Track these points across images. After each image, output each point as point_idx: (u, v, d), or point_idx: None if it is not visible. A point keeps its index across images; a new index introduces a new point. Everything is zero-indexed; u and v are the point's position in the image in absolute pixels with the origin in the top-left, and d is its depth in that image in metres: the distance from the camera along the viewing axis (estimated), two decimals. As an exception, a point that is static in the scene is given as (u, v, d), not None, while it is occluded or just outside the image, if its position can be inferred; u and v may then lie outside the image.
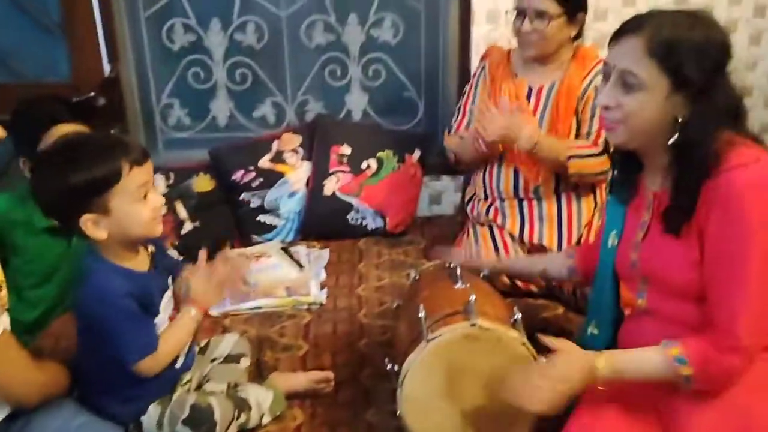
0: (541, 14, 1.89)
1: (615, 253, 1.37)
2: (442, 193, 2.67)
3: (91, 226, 1.21)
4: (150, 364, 1.27)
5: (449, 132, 2.16)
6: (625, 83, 1.18)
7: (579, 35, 2.00)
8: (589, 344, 1.37)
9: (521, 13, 1.93)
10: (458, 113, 2.16)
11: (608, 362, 1.18)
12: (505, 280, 1.92)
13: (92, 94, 2.33)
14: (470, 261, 1.74)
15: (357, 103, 2.62)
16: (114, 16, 2.38)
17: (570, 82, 1.97)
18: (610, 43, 1.23)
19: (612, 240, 1.39)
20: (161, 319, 1.33)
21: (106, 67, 2.40)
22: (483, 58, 2.17)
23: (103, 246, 1.25)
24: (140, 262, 1.32)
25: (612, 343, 1.37)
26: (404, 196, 2.45)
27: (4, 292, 1.23)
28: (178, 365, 1.38)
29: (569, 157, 1.91)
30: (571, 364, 1.18)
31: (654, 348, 1.18)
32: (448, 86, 2.56)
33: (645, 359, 1.19)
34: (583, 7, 1.95)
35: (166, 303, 1.36)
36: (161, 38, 2.49)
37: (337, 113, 2.63)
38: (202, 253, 1.40)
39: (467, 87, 2.18)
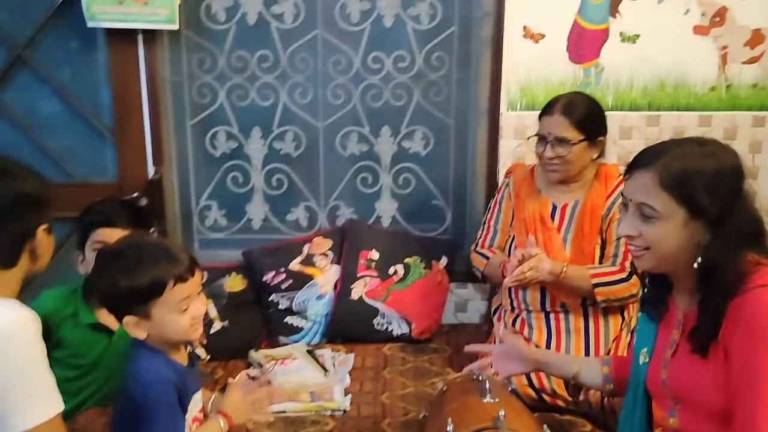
0: (562, 141, 1.96)
1: (646, 370, 1.37)
2: (468, 301, 2.68)
3: (132, 326, 1.27)
4: None
5: (475, 247, 2.21)
6: (643, 214, 1.23)
7: (600, 155, 2.06)
8: None
9: (543, 139, 2.01)
10: (483, 228, 2.22)
11: None
12: (531, 393, 1.89)
13: (135, 194, 2.45)
14: (509, 346, 1.67)
15: (387, 209, 2.70)
16: (162, 122, 2.54)
17: (593, 202, 2.01)
18: (625, 176, 1.29)
19: (643, 357, 1.39)
20: (187, 419, 1.34)
21: (151, 170, 2.53)
22: (507, 175, 2.24)
23: (146, 340, 1.30)
24: (180, 357, 1.36)
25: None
26: (430, 302, 2.47)
27: None
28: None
29: (595, 285, 1.93)
30: None
31: None
32: (476, 195, 2.63)
33: None
34: (603, 131, 2.02)
35: (194, 404, 1.38)
36: (204, 144, 2.63)
37: (367, 219, 2.70)
38: (241, 377, 1.45)
39: (492, 203, 2.24)
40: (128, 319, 1.26)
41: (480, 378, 1.54)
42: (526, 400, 1.79)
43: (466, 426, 1.32)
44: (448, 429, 1.30)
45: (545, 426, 1.34)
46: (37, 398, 1.13)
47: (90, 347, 1.77)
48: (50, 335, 1.74)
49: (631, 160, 1.30)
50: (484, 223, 2.22)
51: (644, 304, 1.42)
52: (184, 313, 1.29)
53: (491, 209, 2.22)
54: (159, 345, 1.31)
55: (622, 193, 1.30)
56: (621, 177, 2.02)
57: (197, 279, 1.32)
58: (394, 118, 2.62)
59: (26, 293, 1.30)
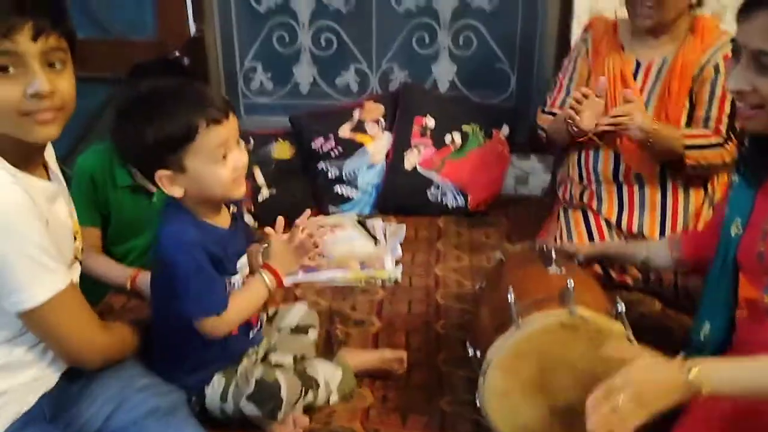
0: None
1: (738, 243, 1.20)
2: (530, 174, 2.53)
3: (167, 182, 1.16)
4: (215, 324, 1.20)
5: (543, 109, 2.01)
6: (761, 64, 1.04)
7: (699, 3, 1.80)
8: (701, 347, 1.23)
9: None
10: (555, 88, 2.00)
11: (705, 375, 0.96)
12: (598, 269, 1.76)
13: (176, 53, 2.31)
14: (563, 245, 1.59)
15: (444, 73, 2.52)
16: (202, -26, 2.35)
17: (685, 59, 1.77)
18: (739, 19, 1.08)
19: (735, 228, 1.23)
20: (237, 281, 1.27)
21: (192, 27, 2.38)
22: (586, 30, 2.00)
23: (183, 199, 1.20)
24: (221, 219, 1.25)
25: (727, 347, 1.21)
26: (489, 174, 2.32)
27: (79, 242, 1.19)
28: (251, 335, 1.32)
29: (686, 147, 1.72)
30: (651, 383, 0.97)
31: None
32: (545, 59, 2.41)
33: (759, 368, 0.98)
34: None
35: (241, 266, 1.30)
36: (248, -2, 2.45)
37: (423, 83, 2.53)
38: (280, 220, 1.33)
39: (566, 60, 2.02)
40: (161, 174, 1.14)
41: (545, 248, 1.41)
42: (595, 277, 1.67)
43: (529, 296, 1.20)
44: (508, 298, 1.19)
45: (618, 298, 1.20)
46: (34, 277, 1.03)
47: (129, 208, 1.72)
48: (97, 193, 1.70)
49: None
50: (556, 82, 2.01)
51: (743, 168, 1.23)
52: (223, 163, 1.16)
53: (565, 67, 2.00)
54: (198, 206, 1.20)
55: (733, 40, 1.09)
56: (721, 32, 1.76)
57: (234, 124, 1.18)
58: (456, -34, 2.37)
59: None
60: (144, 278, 1.62)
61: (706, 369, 0.97)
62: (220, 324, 1.20)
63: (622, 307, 1.18)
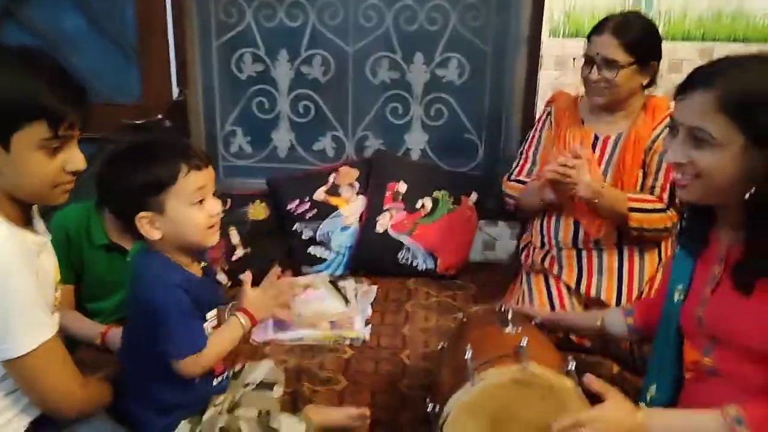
0: (610, 63, 1.83)
1: (681, 309, 1.28)
2: (497, 240, 2.60)
3: (147, 224, 1.23)
4: (193, 365, 1.25)
5: (509, 177, 2.11)
6: (696, 138, 1.12)
7: (651, 83, 1.93)
8: (648, 407, 1.28)
9: (590, 60, 1.88)
10: (520, 158, 2.11)
11: (649, 417, 1.13)
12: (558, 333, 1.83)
13: (159, 116, 2.41)
14: (523, 308, 1.66)
15: (416, 141, 2.62)
16: (187, 42, 2.47)
17: (638, 133, 1.90)
18: (676, 97, 1.17)
19: (678, 294, 1.30)
20: (206, 327, 1.32)
21: (175, 91, 2.48)
22: (549, 103, 2.12)
23: (157, 246, 1.26)
24: (193, 269, 1.32)
25: (673, 407, 1.27)
26: (458, 238, 2.40)
27: (58, 293, 1.24)
28: (215, 381, 1.36)
29: (630, 210, 1.83)
30: (613, 422, 1.12)
31: (709, 410, 1.11)
32: (511, 130, 2.53)
33: (697, 420, 1.12)
34: (655, 56, 1.89)
35: (209, 319, 1.35)
36: (230, 66, 2.56)
37: (396, 151, 2.62)
38: (248, 275, 1.40)
39: (531, 132, 2.13)
40: (142, 215, 1.22)
41: (502, 309, 1.48)
42: (551, 340, 1.73)
43: (485, 354, 1.26)
44: (466, 356, 1.25)
45: (570, 357, 1.27)
46: (27, 323, 1.10)
47: (104, 268, 1.76)
48: (71, 251, 1.74)
49: (682, 80, 1.18)
50: (521, 153, 2.11)
51: (683, 238, 1.32)
52: (200, 207, 1.25)
53: (530, 138, 2.11)
54: (173, 252, 1.27)
55: (671, 117, 1.20)
56: (670, 110, 1.90)
57: (211, 174, 1.28)
58: (428, 43, 2.50)
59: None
60: (114, 334, 1.65)
61: (650, 414, 1.13)
62: (198, 363, 1.26)
63: (572, 364, 1.24)
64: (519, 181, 2.08)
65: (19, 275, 1.07)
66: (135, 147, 1.25)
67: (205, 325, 1.32)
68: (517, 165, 2.11)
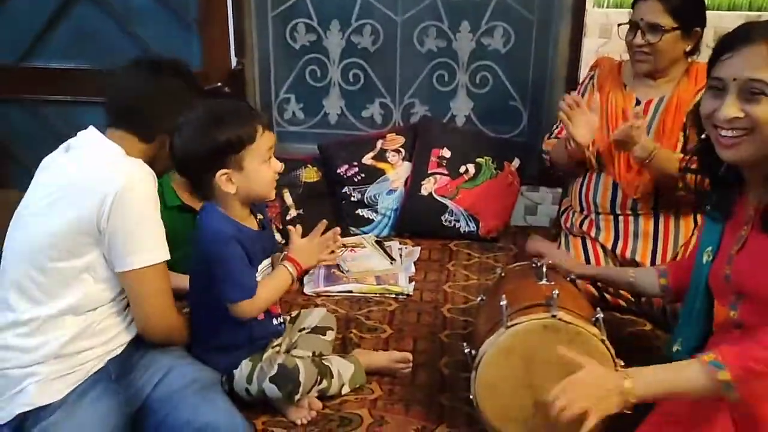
0: (654, 27, 1.86)
1: (709, 269, 1.35)
2: (539, 205, 2.68)
3: (225, 180, 1.36)
4: (247, 308, 1.40)
5: (549, 137, 2.18)
6: (751, 91, 1.15)
7: (694, 50, 1.95)
8: (674, 361, 1.33)
9: (634, 26, 1.91)
10: (560, 121, 2.17)
11: (637, 379, 1.16)
12: (593, 290, 1.91)
13: (219, 84, 2.55)
14: (560, 261, 1.73)
15: (461, 108, 2.70)
16: (245, 14, 2.59)
17: (680, 97, 1.92)
18: (721, 57, 1.20)
19: (707, 256, 1.35)
20: (259, 274, 1.46)
21: (233, 61, 2.61)
22: (593, 68, 2.16)
23: (221, 202, 1.40)
24: (250, 222, 1.46)
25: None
26: (499, 203, 2.49)
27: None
28: (274, 321, 1.50)
29: (680, 170, 1.87)
30: (597, 380, 1.17)
31: (688, 360, 1.17)
32: (554, 98, 2.56)
33: (678, 370, 1.17)
34: (699, 22, 1.91)
35: (262, 269, 1.48)
36: (285, 36, 2.68)
37: (442, 117, 2.70)
38: (297, 228, 1.52)
39: (573, 94, 2.18)
40: (222, 173, 1.35)
41: (538, 264, 1.57)
42: (587, 298, 1.81)
43: (518, 303, 1.37)
44: (501, 304, 1.35)
45: (598, 309, 1.36)
46: (150, 245, 1.33)
47: (178, 227, 1.91)
48: None
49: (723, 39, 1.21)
50: (562, 113, 2.17)
51: (709, 208, 1.36)
52: (269, 164, 1.39)
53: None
54: (235, 206, 1.40)
55: (715, 77, 1.20)
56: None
57: (274, 136, 1.41)
58: (474, 12, 2.56)
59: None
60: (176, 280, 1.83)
61: (635, 374, 1.17)
62: (251, 306, 1.40)
63: (600, 315, 1.34)
64: (557, 138, 2.14)
65: (156, 202, 1.33)
66: (212, 111, 1.36)
67: (259, 271, 1.45)
68: (557, 126, 2.17)
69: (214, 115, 1.35)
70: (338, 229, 1.55)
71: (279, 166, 1.42)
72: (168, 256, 1.37)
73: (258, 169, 1.37)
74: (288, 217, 2.45)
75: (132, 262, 1.31)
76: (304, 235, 1.54)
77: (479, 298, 1.66)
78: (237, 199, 1.40)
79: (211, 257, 1.37)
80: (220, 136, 1.32)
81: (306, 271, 1.55)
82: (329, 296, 2.05)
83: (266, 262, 1.49)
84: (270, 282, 1.45)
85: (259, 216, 1.50)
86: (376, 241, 2.36)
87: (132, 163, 1.35)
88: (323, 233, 1.52)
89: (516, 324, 1.30)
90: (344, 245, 2.30)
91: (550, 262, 1.60)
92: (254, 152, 1.35)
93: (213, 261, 1.37)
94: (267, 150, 1.38)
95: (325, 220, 1.56)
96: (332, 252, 1.53)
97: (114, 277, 1.33)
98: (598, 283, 1.86)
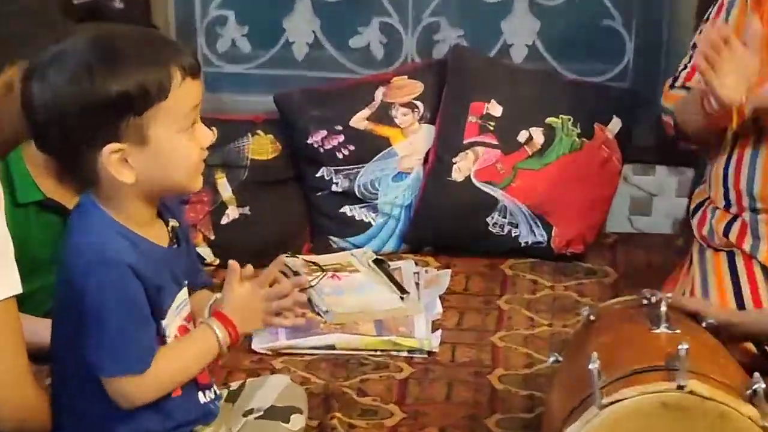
0: None
1: None
2: (654, 197, 2.68)
3: (117, 161, 1.34)
4: (132, 388, 1.37)
5: (672, 85, 2.19)
6: None
7: None
8: None
9: None
10: (691, 56, 2.18)
11: None
12: (749, 346, 1.91)
13: (107, -8, 2.56)
14: (687, 300, 1.74)
15: (521, 32, 2.71)
16: None
17: None
18: None
19: None
20: (167, 326, 1.45)
21: (130, -47, 2.62)
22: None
23: (107, 198, 1.40)
24: (155, 234, 1.44)
25: None
26: (587, 194, 2.50)
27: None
28: (204, 396, 1.50)
29: None
30: None
31: None
32: (679, 12, 2.58)
33: None
34: None
35: (178, 307, 1.48)
36: None
37: (486, 49, 2.71)
38: (248, 268, 1.52)
39: (711, 11, 2.18)
40: (112, 148, 1.32)
41: (652, 300, 1.57)
42: (738, 356, 1.81)
43: (619, 365, 1.37)
44: (590, 367, 1.35)
45: (756, 374, 1.36)
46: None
47: (36, 237, 1.92)
48: None
49: None
50: (694, 46, 2.18)
51: None
52: (192, 134, 1.37)
53: (709, 24, 2.16)
54: (132, 206, 1.40)
55: None
56: None
57: (201, 87, 1.40)
58: None
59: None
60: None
61: None
62: (139, 387, 1.38)
63: (760, 384, 1.34)
64: (685, 89, 2.15)
65: None
66: (98, 44, 1.34)
67: (166, 321, 1.44)
68: (686, 66, 2.18)
69: (100, 50, 1.34)
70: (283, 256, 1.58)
71: (208, 136, 1.40)
72: (19, 288, 1.36)
73: (173, 141, 1.35)
74: (224, 221, 2.46)
75: None
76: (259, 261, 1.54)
77: (551, 358, 1.66)
78: (136, 192, 1.39)
79: (78, 294, 1.36)
80: (109, 85, 1.30)
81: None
82: (296, 355, 2.06)
83: (181, 296, 1.48)
84: (180, 348, 1.44)
85: (171, 222, 1.49)
86: (375, 261, 2.37)
87: None
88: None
89: (616, 401, 1.30)
90: (320, 268, 2.30)
91: (670, 296, 1.60)
92: (167, 113, 1.33)
93: (80, 299, 1.36)
94: (189, 110, 1.36)
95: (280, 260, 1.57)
96: (296, 309, 1.54)
97: None
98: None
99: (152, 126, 1.34)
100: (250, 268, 1.52)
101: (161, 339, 1.42)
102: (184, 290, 1.49)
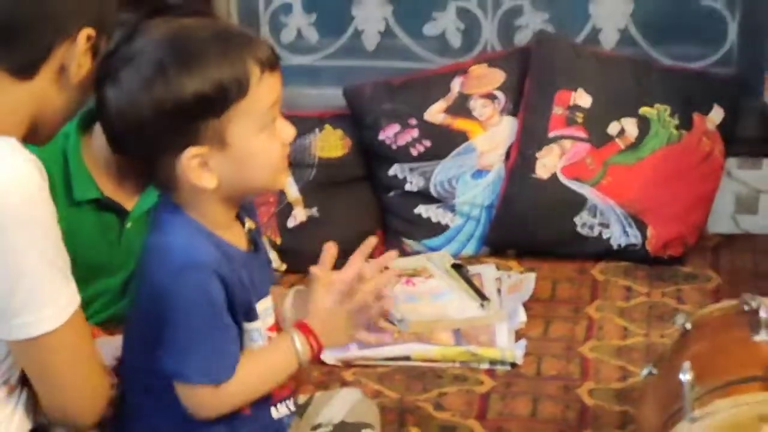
0: None
1: None
2: (763, 193, 2.67)
3: (197, 167, 1.37)
4: (208, 399, 1.42)
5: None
6: None
7: None
8: None
9: None
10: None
11: None
12: None
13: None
14: None
15: (612, 16, 2.73)
16: None
17: None
18: None
19: None
20: (257, 332, 1.50)
21: (188, -60, 2.70)
22: None
23: (189, 202, 1.45)
24: (235, 237, 1.49)
25: None
26: (686, 191, 2.51)
27: None
28: (277, 412, 1.54)
29: None
30: None
31: None
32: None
33: None
34: None
35: (261, 315, 1.52)
36: None
37: (573, 34, 2.75)
38: (330, 249, 1.55)
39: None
40: (192, 153, 1.36)
41: (753, 305, 1.59)
42: None
43: (714, 376, 1.39)
44: (682, 378, 1.37)
45: None
46: (50, 292, 1.34)
47: (92, 237, 1.98)
48: None
49: None
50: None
51: None
52: (272, 133, 1.40)
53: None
54: (211, 211, 1.45)
55: None
56: None
57: (281, 80, 1.42)
58: None
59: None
60: (101, 343, 1.89)
61: None
62: (216, 399, 1.43)
63: None
64: None
65: (47, 215, 1.38)
66: (168, 44, 1.37)
67: (254, 326, 1.49)
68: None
69: (173, 50, 1.37)
70: (392, 253, 1.59)
71: (291, 131, 1.44)
72: (78, 299, 1.39)
73: (254, 141, 1.38)
74: (291, 224, 2.53)
75: (25, 325, 1.34)
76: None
77: (645, 371, 1.68)
78: (217, 196, 1.43)
79: (160, 301, 1.39)
80: (185, 87, 1.34)
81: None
82: (368, 366, 2.11)
83: (264, 303, 1.52)
84: (259, 360, 1.48)
85: (248, 223, 1.54)
86: (453, 266, 2.41)
87: None
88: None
89: (709, 414, 1.33)
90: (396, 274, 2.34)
91: None
92: (247, 112, 1.36)
93: (162, 307, 1.38)
94: (269, 107, 1.38)
95: (373, 239, 1.59)
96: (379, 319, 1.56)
97: None
98: None
99: (230, 126, 1.37)
100: (331, 248, 1.55)
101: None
102: (268, 298, 1.53)
